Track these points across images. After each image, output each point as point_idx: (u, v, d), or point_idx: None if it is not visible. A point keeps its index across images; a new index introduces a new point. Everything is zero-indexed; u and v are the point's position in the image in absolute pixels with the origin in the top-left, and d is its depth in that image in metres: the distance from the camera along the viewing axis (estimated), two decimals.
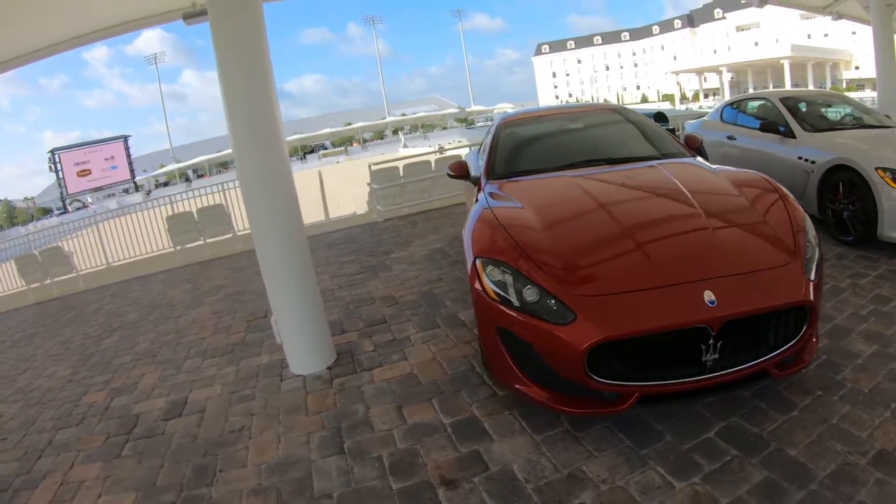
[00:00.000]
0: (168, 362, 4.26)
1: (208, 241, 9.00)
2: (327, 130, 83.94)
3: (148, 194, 41.04)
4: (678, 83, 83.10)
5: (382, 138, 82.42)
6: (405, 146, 54.54)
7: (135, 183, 53.91)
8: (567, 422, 2.71)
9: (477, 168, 4.44)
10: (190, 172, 72.35)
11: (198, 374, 3.94)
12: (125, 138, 53.09)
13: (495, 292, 2.65)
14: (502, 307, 2.59)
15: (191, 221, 9.05)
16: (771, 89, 24.46)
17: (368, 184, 9.40)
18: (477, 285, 2.76)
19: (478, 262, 2.79)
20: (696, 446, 2.43)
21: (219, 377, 3.81)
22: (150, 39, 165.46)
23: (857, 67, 71.00)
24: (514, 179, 3.85)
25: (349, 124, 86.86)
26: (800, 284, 2.51)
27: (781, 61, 64.69)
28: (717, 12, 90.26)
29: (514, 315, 2.54)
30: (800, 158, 5.48)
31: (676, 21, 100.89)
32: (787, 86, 61.91)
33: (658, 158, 3.97)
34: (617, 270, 2.61)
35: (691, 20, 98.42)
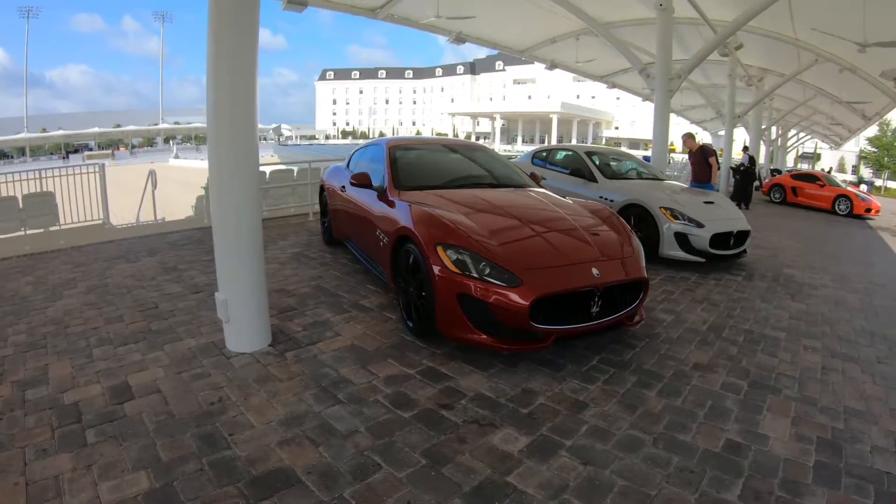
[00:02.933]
0: (70, 352, 4.06)
1: (29, 232, 8.02)
2: (96, 130, 71.94)
3: None
4: (453, 124, 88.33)
5: (152, 145, 74.18)
6: (176, 157, 50.46)
7: None
8: (501, 362, 3.87)
9: (377, 180, 5.29)
10: None
11: (120, 360, 3.88)
12: None
13: (456, 268, 3.67)
14: (463, 279, 3.64)
15: (13, 208, 7.93)
16: (576, 143, 28.83)
17: (204, 187, 9.33)
18: (436, 264, 3.75)
19: (438, 247, 3.78)
20: (589, 368, 3.86)
21: (150, 361, 3.85)
22: None
23: (616, 128, 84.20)
24: (421, 191, 4.86)
25: (119, 126, 76.14)
26: (641, 268, 4.13)
27: (551, 115, 73.70)
28: (499, 64, 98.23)
29: (474, 283, 3.62)
30: (601, 198, 7.58)
31: (459, 67, 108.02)
32: (553, 137, 70.96)
33: (522, 186, 5.46)
34: (538, 253, 3.88)
35: (473, 68, 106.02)
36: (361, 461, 2.73)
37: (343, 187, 6.20)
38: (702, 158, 9.60)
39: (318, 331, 4.41)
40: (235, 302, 3.91)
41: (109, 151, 63.85)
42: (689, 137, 10.09)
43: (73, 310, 5.00)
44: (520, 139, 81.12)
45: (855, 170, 54.22)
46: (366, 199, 5.36)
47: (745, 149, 18.76)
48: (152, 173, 10.71)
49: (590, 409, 3.32)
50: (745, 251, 7.55)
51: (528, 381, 3.64)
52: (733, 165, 17.25)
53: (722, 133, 19.36)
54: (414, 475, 2.64)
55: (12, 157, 68.22)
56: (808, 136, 41.43)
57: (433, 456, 2.79)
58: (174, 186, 17.72)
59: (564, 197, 5.36)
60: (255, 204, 3.94)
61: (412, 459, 2.76)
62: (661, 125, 10.26)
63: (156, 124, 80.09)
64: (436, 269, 3.78)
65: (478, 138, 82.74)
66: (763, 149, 26.75)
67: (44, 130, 75.85)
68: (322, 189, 7.57)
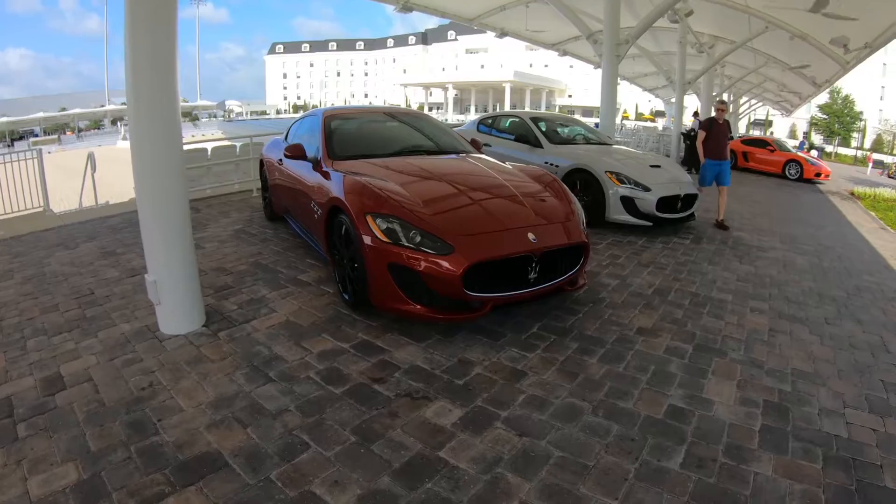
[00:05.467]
0: (4, 345, 3.91)
1: None
2: (41, 115, 68.69)
3: None
4: (405, 95, 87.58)
5: (99, 128, 71.40)
6: (124, 138, 48.89)
7: None
8: (437, 332, 3.85)
9: (311, 151, 5.15)
10: None
11: (53, 350, 3.77)
12: None
13: (386, 237, 3.60)
14: (393, 248, 3.57)
15: None
16: (522, 110, 28.77)
17: None
18: (366, 234, 3.68)
19: (368, 216, 3.70)
20: (529, 336, 3.84)
21: (83, 349, 3.75)
22: None
23: (570, 96, 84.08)
24: (357, 160, 4.74)
25: (64, 109, 73.08)
26: (580, 232, 4.09)
27: (504, 84, 73.24)
28: (451, 34, 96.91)
29: (405, 252, 3.55)
30: (546, 163, 7.51)
31: (411, 37, 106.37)
32: (507, 106, 70.61)
33: (460, 153, 5.38)
34: (471, 220, 3.81)
35: (425, 38, 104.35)
36: (289, 441, 2.68)
37: (280, 160, 6.05)
38: (728, 131, 8.44)
39: (254, 308, 4.32)
40: (165, 283, 3.80)
41: (56, 136, 61.64)
42: (724, 106, 8.54)
43: (8, 301, 4.81)
44: (473, 109, 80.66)
45: (806, 136, 55.41)
46: (302, 171, 5.23)
47: (696, 114, 19.00)
48: (91, 156, 10.33)
49: (528, 377, 3.31)
50: (693, 215, 7.65)
51: (464, 351, 3.61)
52: (683, 131, 17.46)
53: (674, 100, 19.50)
54: (342, 453, 2.59)
55: None
56: (760, 104, 42.19)
57: (363, 433, 2.75)
58: (121, 168, 17.05)
59: (505, 163, 5.31)
60: (179, 181, 3.79)
61: (341, 437, 2.71)
62: (609, 91, 10.29)
63: (102, 106, 77.33)
64: (366, 238, 3.70)
65: (430, 109, 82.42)
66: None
67: None
68: (262, 163, 7.39)
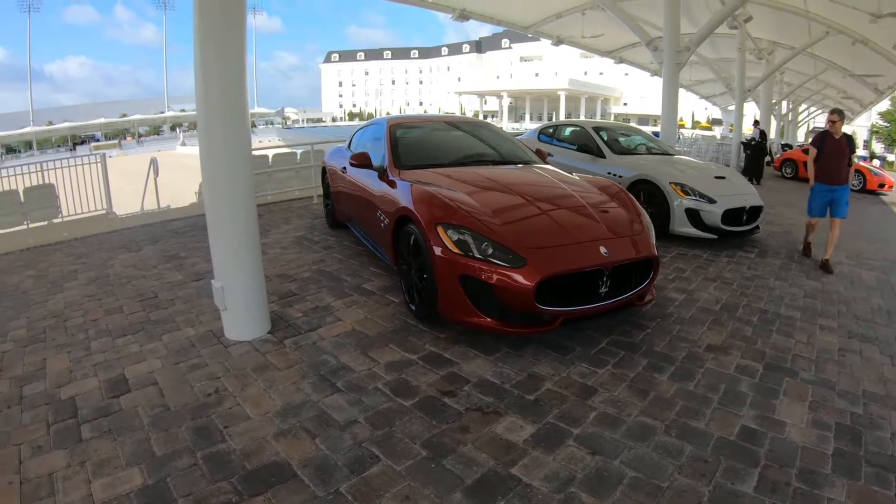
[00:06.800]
0: (69, 345, 3.99)
1: (31, 225, 7.98)
2: (102, 120, 72.80)
3: None
4: (460, 103, 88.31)
5: (159, 134, 74.65)
6: (183, 144, 50.95)
7: None
8: (506, 345, 3.74)
9: (377, 160, 5.15)
10: None
11: (118, 352, 3.81)
12: None
13: (458, 249, 3.53)
14: (465, 260, 3.49)
15: (14, 202, 7.91)
16: (582, 119, 28.68)
17: None
18: (437, 245, 3.62)
19: (438, 227, 3.64)
20: (598, 351, 3.70)
21: (148, 352, 3.78)
22: None
23: (625, 104, 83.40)
24: (423, 170, 4.71)
25: (125, 116, 76.70)
26: (651, 246, 3.96)
27: (559, 92, 73.29)
28: (505, 42, 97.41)
29: (476, 264, 3.47)
30: (609, 174, 7.39)
31: (465, 45, 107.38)
32: (562, 114, 70.41)
33: (527, 163, 5.29)
34: (543, 232, 3.72)
35: (479, 46, 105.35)
36: (359, 453, 2.62)
37: (344, 168, 6.07)
38: (847, 148, 6.55)
39: (319, 316, 4.30)
40: (232, 289, 3.81)
41: (116, 141, 64.19)
42: (838, 117, 6.50)
43: (73, 302, 4.94)
44: (528, 117, 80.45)
45: (867, 145, 53.37)
46: (366, 180, 5.23)
47: (756, 123, 18.42)
48: (154, 161, 10.61)
49: (599, 394, 3.19)
50: (757, 227, 7.37)
51: (534, 365, 3.51)
52: (744, 140, 16.97)
53: (732, 108, 19.02)
54: (413, 468, 2.52)
55: (20, 152, 68.67)
56: (819, 111, 40.84)
57: (434, 447, 2.67)
58: (181, 173, 17.65)
59: (571, 173, 5.20)
60: (248, 188, 3.82)
61: (412, 451, 2.64)
62: (670, 100, 10.05)
63: (161, 112, 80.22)
64: (436, 249, 3.64)
65: (485, 117, 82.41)
66: (774, 123, 26.35)
67: (50, 123, 76.15)
68: (324, 171, 7.44)
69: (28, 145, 71.04)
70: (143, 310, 4.61)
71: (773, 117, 24.96)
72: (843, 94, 27.32)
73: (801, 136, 43.32)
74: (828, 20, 13.22)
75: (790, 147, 24.27)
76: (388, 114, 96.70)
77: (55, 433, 2.89)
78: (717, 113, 44.84)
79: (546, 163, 5.61)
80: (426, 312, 4.00)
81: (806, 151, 18.81)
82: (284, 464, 2.55)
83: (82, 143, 65.93)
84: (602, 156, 8.04)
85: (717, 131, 41.54)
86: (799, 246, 7.33)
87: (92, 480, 2.47)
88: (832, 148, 6.48)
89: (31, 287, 5.48)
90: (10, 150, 68.81)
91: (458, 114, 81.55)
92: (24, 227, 8.01)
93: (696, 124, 66.87)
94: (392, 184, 4.61)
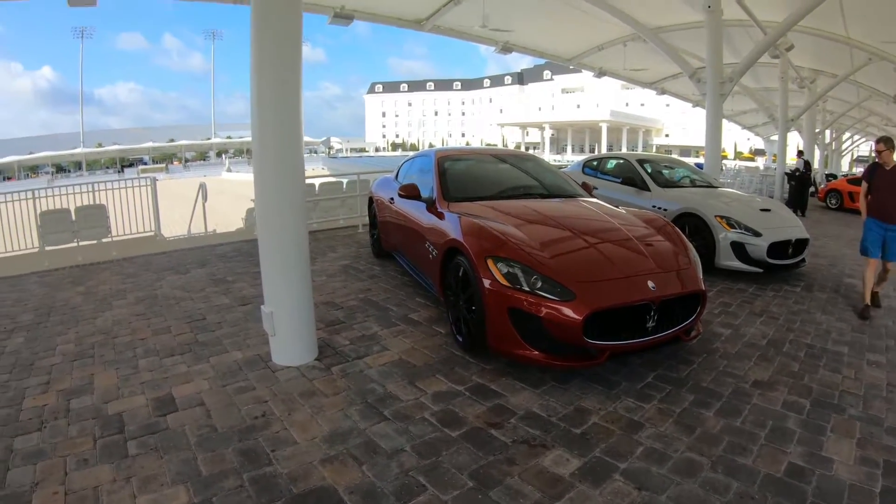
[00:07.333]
0: (117, 362, 4.11)
1: (81, 243, 8.30)
2: (149, 144, 76.51)
3: None
4: (502, 135, 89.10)
5: (205, 159, 77.60)
6: (229, 170, 52.53)
7: None
8: (552, 378, 3.73)
9: (425, 191, 5.24)
10: None
11: (165, 371, 3.90)
12: None
13: (507, 281, 3.56)
14: (514, 292, 3.52)
15: (66, 220, 8.22)
16: (626, 151, 28.98)
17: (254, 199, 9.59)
18: (486, 277, 3.66)
19: (489, 260, 3.69)
20: (644, 386, 3.67)
21: (195, 373, 3.86)
22: None
23: (666, 135, 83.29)
24: (471, 202, 4.78)
25: (172, 140, 79.88)
26: (698, 280, 3.95)
27: (600, 124, 73.56)
28: (546, 73, 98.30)
29: (526, 297, 3.49)
30: (654, 207, 7.39)
31: (507, 77, 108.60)
32: (604, 146, 70.59)
33: (573, 196, 5.35)
34: (591, 266, 3.73)
35: (521, 78, 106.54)
36: (406, 482, 2.63)
37: (392, 199, 6.17)
38: None
39: (366, 345, 4.35)
40: (281, 315, 3.89)
41: (163, 165, 66.36)
42: (885, 146, 5.81)
43: (121, 320, 5.09)
44: (569, 148, 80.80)
45: None
46: (414, 211, 5.32)
47: (800, 153, 18.11)
48: (202, 186, 10.96)
49: (645, 429, 3.15)
50: (803, 260, 7.21)
51: (580, 398, 3.49)
52: (788, 171, 16.68)
53: (775, 138, 18.74)
54: (460, 498, 2.52)
55: (69, 171, 71.39)
56: (863, 139, 39.95)
57: (481, 478, 2.67)
58: (226, 199, 18.13)
59: (617, 207, 5.21)
60: (300, 216, 3.91)
61: (459, 481, 2.64)
62: (714, 131, 9.96)
63: (208, 139, 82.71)
64: (486, 282, 3.68)
65: (527, 148, 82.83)
66: (817, 153, 25.87)
67: (99, 145, 79.23)
68: (371, 201, 7.57)
69: (77, 165, 73.86)
70: (190, 331, 4.72)
71: (816, 147, 24.49)
72: (887, 121, 26.74)
73: (845, 165, 42.40)
74: (870, 46, 13.02)
75: (834, 177, 23.77)
76: (430, 145, 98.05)
77: (101, 447, 2.96)
78: (759, 143, 44.23)
79: (592, 196, 5.63)
80: (473, 344, 4.01)
81: (851, 181, 18.60)
82: (331, 489, 2.57)
83: (130, 165, 68.43)
84: (647, 189, 8.01)
85: (760, 162, 40.96)
86: (846, 279, 7.14)
87: (137, 496, 2.52)
88: (884, 181, 5.82)
89: (80, 303, 5.67)
90: (60, 168, 71.62)
91: (500, 145, 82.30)
92: (75, 244, 8.33)
93: (738, 155, 65.92)
94: (441, 216, 4.69)
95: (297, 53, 3.77)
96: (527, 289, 3.53)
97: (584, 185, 5.86)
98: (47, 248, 8.31)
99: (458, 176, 5.40)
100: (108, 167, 72.95)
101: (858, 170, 50.33)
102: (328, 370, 3.88)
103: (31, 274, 7.30)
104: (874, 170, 5.94)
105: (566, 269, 3.63)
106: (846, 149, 38.81)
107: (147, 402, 3.47)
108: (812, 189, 18.46)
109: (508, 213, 4.46)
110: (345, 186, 10.99)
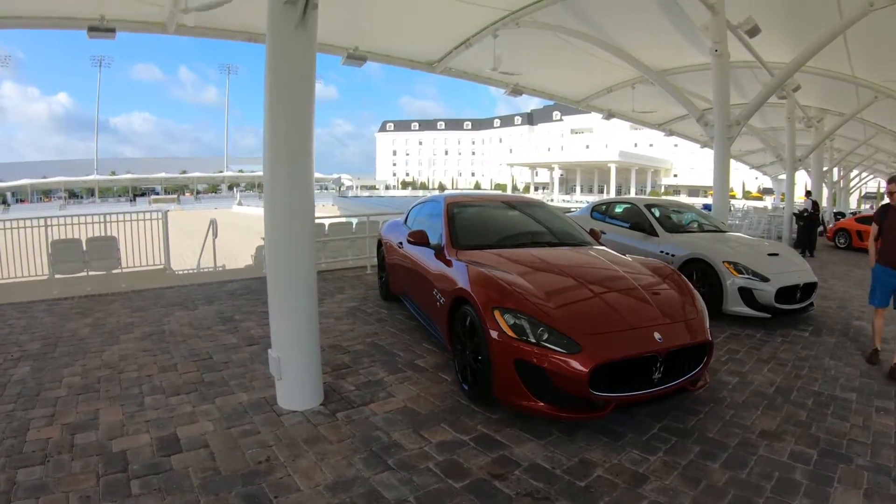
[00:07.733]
0: (122, 398, 4.12)
1: (91, 273, 8.38)
2: (163, 175, 78.19)
3: None
4: (512, 175, 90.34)
5: (216, 192, 78.80)
6: (240, 203, 53.20)
7: None
8: (557, 429, 3.71)
9: (434, 238, 5.31)
10: (9, 195, 63.33)
11: (170, 411, 3.91)
12: None
13: (514, 333, 3.58)
14: (521, 344, 3.54)
15: (77, 250, 8.33)
16: (634, 196, 29.28)
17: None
18: (493, 328, 3.68)
19: (496, 311, 3.71)
20: (650, 437, 3.65)
21: (201, 414, 3.86)
22: None
23: (675, 175, 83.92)
24: (480, 250, 4.83)
25: (185, 172, 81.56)
26: (705, 330, 3.95)
27: (609, 165, 74.44)
28: (556, 114, 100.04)
29: (532, 349, 3.51)
30: (662, 252, 7.43)
31: (517, 118, 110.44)
32: (612, 186, 71.63)
33: (581, 244, 5.40)
34: (598, 317, 3.75)
35: (531, 118, 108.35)
36: None
37: (401, 243, 6.23)
38: None
39: (372, 391, 4.36)
40: (288, 360, 3.91)
41: (175, 196, 67.12)
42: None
43: (128, 355, 5.13)
44: (578, 189, 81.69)
45: None
46: (423, 257, 5.36)
47: (808, 193, 18.12)
48: (213, 222, 11.05)
49: (650, 482, 3.12)
50: (812, 304, 7.19)
51: (585, 450, 3.47)
52: (796, 211, 16.69)
53: (782, 177, 18.79)
54: None
55: (82, 198, 72.28)
56: (871, 176, 39.95)
57: None
58: (236, 233, 18.29)
59: (625, 253, 5.25)
60: (309, 259, 3.95)
61: None
62: (722, 174, 9.98)
63: (220, 171, 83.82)
64: (493, 333, 3.70)
65: (536, 188, 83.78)
66: (825, 191, 25.87)
67: (113, 173, 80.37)
68: (380, 244, 7.64)
69: (90, 192, 74.81)
70: (197, 370, 4.74)
71: (824, 185, 24.52)
72: (895, 157, 26.79)
73: (853, 202, 42.32)
74: (875, 85, 13.16)
75: (843, 215, 23.73)
76: (440, 184, 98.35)
77: (104, 485, 2.97)
78: (767, 182, 44.31)
79: (600, 243, 5.67)
80: (479, 393, 4.02)
81: (859, 220, 18.53)
82: None
83: (142, 194, 69.42)
84: (655, 234, 8.05)
85: (768, 201, 40.93)
86: (854, 322, 7.10)
87: None
88: None
89: (87, 335, 5.71)
90: (73, 194, 72.49)
91: (509, 185, 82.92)
92: (85, 274, 8.41)
93: (746, 194, 66.16)
94: (449, 263, 4.74)
95: (310, 93, 3.85)
96: (533, 340, 3.55)
97: (592, 232, 5.89)
98: (57, 276, 8.41)
99: (466, 223, 5.46)
100: (120, 195, 74.01)
101: (866, 206, 50.41)
102: (333, 416, 3.88)
103: (40, 301, 7.39)
104: (885, 211, 5.53)
105: (572, 321, 3.65)
106: (854, 186, 38.78)
107: (151, 440, 3.48)
108: (820, 228, 18.43)
109: (516, 262, 4.51)
110: (354, 227, 11.08)
